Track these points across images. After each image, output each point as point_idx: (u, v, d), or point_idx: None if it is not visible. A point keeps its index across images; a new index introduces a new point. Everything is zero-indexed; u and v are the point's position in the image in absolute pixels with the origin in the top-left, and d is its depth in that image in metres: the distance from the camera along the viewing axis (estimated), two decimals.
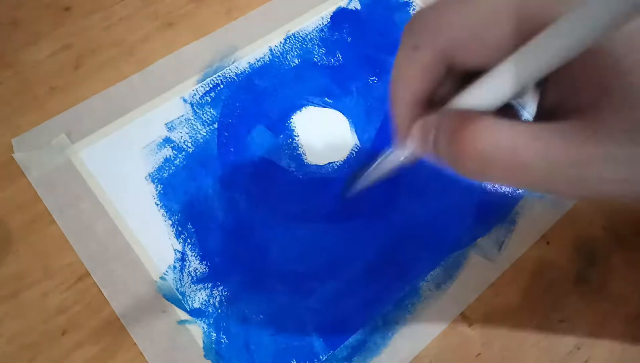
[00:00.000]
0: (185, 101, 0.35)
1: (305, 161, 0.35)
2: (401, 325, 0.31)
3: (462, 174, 0.16)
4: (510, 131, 0.14)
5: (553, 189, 0.15)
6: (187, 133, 0.34)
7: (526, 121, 0.15)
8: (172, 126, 0.34)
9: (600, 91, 0.14)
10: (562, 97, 0.16)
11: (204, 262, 0.31)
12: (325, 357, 0.30)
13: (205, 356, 0.29)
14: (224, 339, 0.29)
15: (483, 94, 0.16)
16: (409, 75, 0.17)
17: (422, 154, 0.18)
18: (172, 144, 0.34)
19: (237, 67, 0.37)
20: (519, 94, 0.15)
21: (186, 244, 0.31)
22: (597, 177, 0.14)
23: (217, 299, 0.30)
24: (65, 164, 0.32)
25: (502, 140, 0.14)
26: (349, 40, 0.39)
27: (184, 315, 0.30)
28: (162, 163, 0.33)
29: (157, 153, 0.33)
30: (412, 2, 0.41)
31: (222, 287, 0.31)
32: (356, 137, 0.36)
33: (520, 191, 0.35)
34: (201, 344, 0.29)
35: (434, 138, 0.17)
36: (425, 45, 0.17)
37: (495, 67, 0.15)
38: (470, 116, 0.15)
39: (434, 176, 0.35)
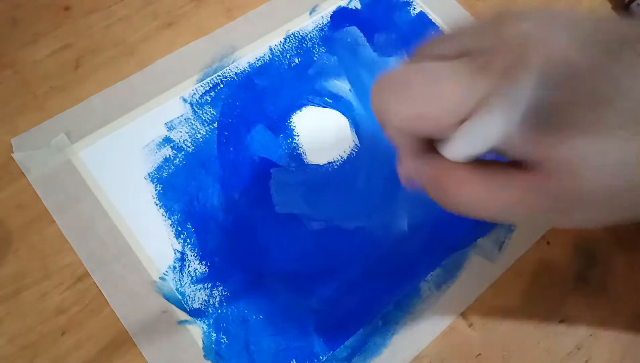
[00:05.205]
0: (185, 100, 0.35)
1: (305, 160, 0.35)
2: (401, 325, 0.31)
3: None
4: (477, 181, 0.17)
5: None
6: (186, 133, 0.34)
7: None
8: (171, 125, 0.34)
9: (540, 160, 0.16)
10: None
11: (204, 262, 0.31)
12: (325, 357, 0.30)
13: (205, 356, 0.29)
14: (223, 339, 0.29)
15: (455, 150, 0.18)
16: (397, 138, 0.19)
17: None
18: (171, 144, 0.34)
19: (237, 67, 0.37)
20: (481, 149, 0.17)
21: (186, 244, 0.31)
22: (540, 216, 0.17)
23: (217, 299, 0.30)
24: (65, 164, 0.32)
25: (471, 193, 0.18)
26: (348, 40, 0.39)
27: (183, 315, 0.30)
28: (162, 162, 0.33)
29: (156, 152, 0.33)
30: (412, 2, 0.41)
31: (222, 287, 0.31)
32: (356, 137, 0.36)
33: None
34: (201, 344, 0.29)
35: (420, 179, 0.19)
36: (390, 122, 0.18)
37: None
38: (444, 166, 0.18)
39: None
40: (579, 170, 0.15)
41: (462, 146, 0.17)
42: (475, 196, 0.17)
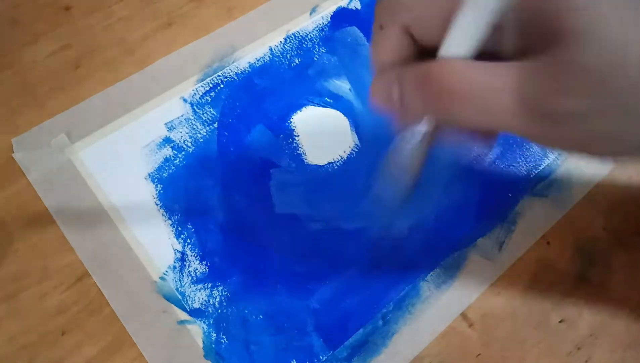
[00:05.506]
0: (185, 100, 0.35)
1: (305, 161, 0.35)
2: (401, 325, 0.31)
3: (432, 115, 0.17)
4: (472, 68, 0.16)
5: (514, 126, 0.16)
6: (187, 133, 0.34)
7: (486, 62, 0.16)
8: (172, 125, 0.34)
9: (554, 32, 0.14)
10: (523, 44, 0.16)
11: (204, 262, 0.31)
12: (325, 357, 0.30)
13: (205, 356, 0.29)
14: (224, 339, 0.29)
15: (451, 46, 0.16)
16: (380, 49, 0.19)
17: (389, 111, 0.19)
18: (172, 144, 0.34)
19: (237, 67, 0.37)
20: (477, 43, 0.16)
21: (186, 244, 0.31)
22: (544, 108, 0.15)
23: (217, 299, 0.30)
24: (65, 164, 0.32)
25: (465, 75, 0.16)
26: (349, 40, 0.39)
27: (184, 315, 0.30)
28: (162, 162, 0.33)
29: (157, 152, 0.33)
30: None
31: (222, 287, 0.31)
32: (356, 137, 0.36)
33: (520, 188, 0.35)
34: (201, 344, 0.29)
35: (399, 89, 0.18)
36: (388, 24, 0.18)
37: (450, 24, 0.16)
38: (431, 61, 0.16)
39: (435, 176, 0.35)
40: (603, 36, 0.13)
41: (458, 37, 0.16)
42: (474, 85, 0.15)
